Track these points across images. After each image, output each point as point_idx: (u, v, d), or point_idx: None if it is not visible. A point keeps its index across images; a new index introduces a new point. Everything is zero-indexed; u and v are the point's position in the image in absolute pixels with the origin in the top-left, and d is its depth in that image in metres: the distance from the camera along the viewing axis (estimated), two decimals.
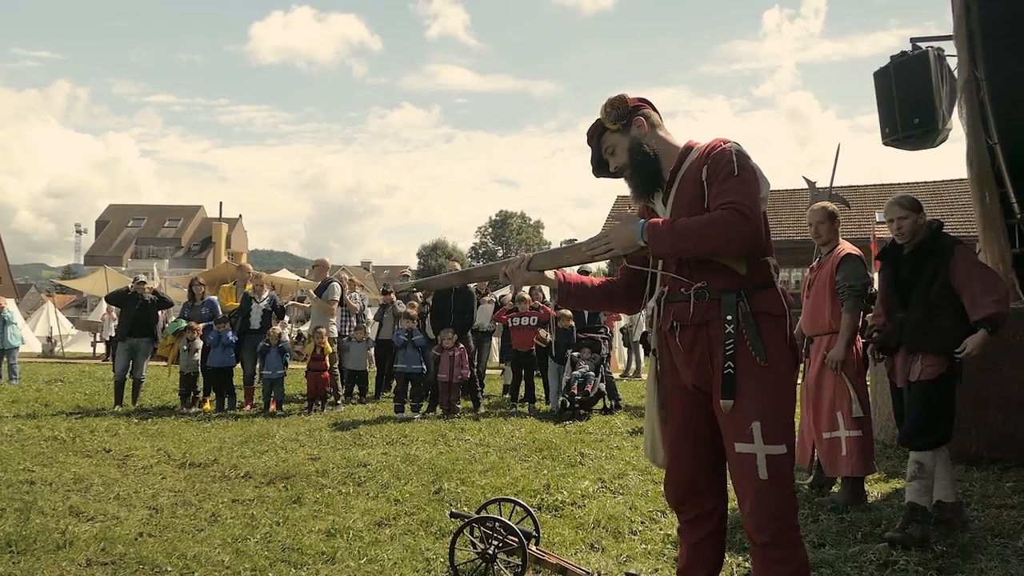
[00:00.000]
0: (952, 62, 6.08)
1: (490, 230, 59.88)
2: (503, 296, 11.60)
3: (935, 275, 3.71)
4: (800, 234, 21.38)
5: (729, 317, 2.26)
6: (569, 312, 8.71)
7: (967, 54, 5.54)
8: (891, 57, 6.08)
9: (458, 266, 8.94)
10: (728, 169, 2.23)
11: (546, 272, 2.52)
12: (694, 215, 2.26)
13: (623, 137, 2.42)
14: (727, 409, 2.23)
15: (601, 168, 2.50)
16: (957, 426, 5.23)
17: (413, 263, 63.81)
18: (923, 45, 5.96)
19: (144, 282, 9.32)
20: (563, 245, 2.62)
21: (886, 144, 6.44)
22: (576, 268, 2.70)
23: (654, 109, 2.47)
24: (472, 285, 9.34)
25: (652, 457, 2.52)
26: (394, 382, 8.97)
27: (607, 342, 8.92)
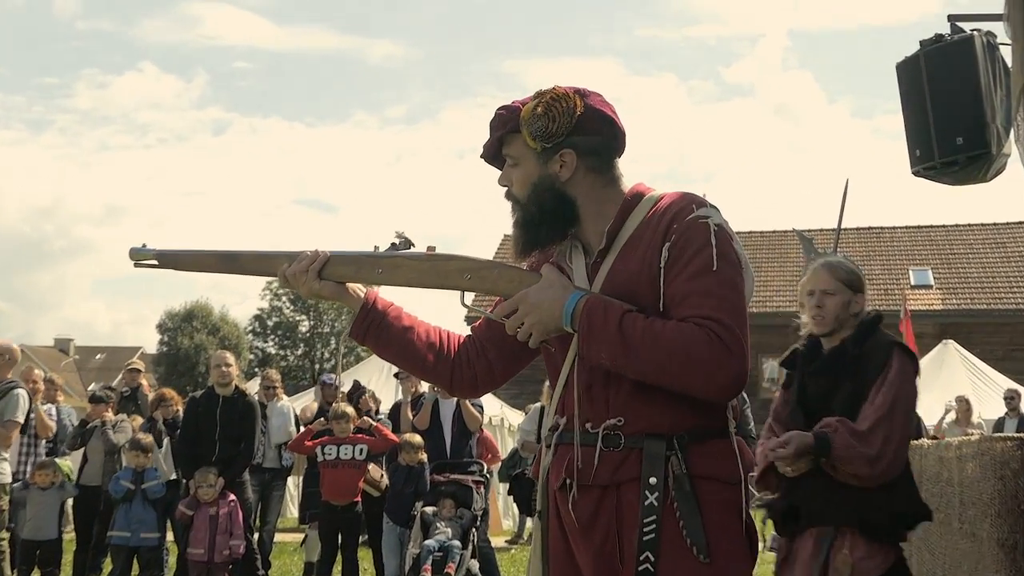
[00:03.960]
0: (1008, 52, 6.68)
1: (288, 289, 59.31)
2: (307, 403, 11.44)
3: (859, 393, 3.88)
4: (791, 302, 22.15)
5: (653, 480, 2.36)
6: (418, 438, 8.72)
7: None
8: (920, 43, 6.58)
9: (230, 357, 8.76)
10: (704, 258, 2.35)
11: (349, 285, 2.73)
12: (631, 303, 2.38)
13: (535, 163, 2.55)
14: None
15: (493, 160, 2.66)
16: None
17: (150, 342, 61.77)
18: (967, 27, 6.51)
19: None
20: (398, 250, 2.74)
21: (917, 174, 6.93)
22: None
23: (615, 137, 2.58)
24: (255, 392, 9.24)
25: None
26: (106, 560, 8.58)
27: (483, 488, 8.96)
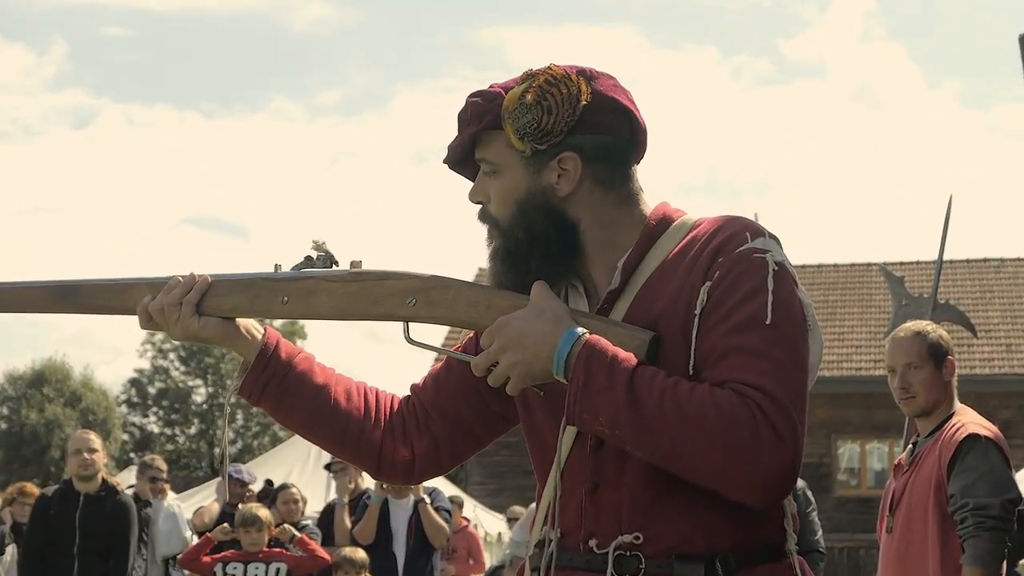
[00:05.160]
0: None
1: (178, 343, 59.26)
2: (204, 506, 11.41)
3: None
4: (877, 361, 22.10)
5: None
6: (361, 554, 8.69)
7: None
8: None
9: (95, 439, 8.77)
10: (755, 306, 2.30)
11: (239, 322, 2.67)
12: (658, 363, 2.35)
13: (522, 171, 2.51)
14: None
15: (462, 166, 2.63)
16: None
17: None
18: None
19: None
20: (308, 268, 2.64)
21: None
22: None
23: (634, 138, 2.56)
24: (130, 487, 9.20)
25: None
26: None
27: None
